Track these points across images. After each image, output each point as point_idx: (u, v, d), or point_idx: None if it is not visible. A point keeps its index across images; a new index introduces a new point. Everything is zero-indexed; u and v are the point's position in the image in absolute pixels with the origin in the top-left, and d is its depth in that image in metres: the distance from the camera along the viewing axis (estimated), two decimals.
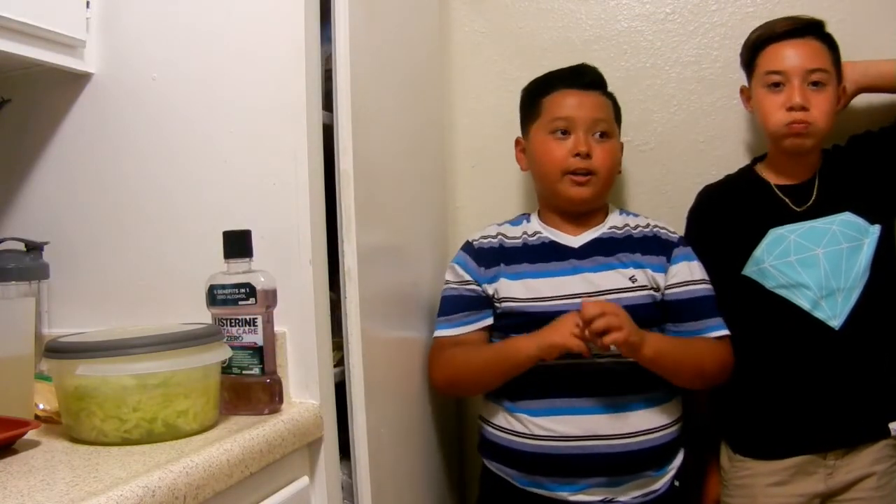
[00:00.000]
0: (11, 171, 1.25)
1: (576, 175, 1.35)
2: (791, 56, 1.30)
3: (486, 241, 1.41)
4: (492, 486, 1.37)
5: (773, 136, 1.35)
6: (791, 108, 1.29)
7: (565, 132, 1.36)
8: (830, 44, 1.32)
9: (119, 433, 0.88)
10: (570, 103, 1.38)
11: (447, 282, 1.40)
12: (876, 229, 1.31)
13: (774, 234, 1.33)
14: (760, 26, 1.37)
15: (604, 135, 1.37)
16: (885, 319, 1.32)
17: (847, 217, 1.31)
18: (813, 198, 1.34)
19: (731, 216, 1.40)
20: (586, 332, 1.19)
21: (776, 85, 1.31)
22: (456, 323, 1.36)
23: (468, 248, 1.42)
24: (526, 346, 1.26)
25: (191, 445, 0.86)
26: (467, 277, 1.38)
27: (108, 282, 1.19)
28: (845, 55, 1.33)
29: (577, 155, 1.34)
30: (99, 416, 0.88)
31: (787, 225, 1.33)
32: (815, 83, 1.29)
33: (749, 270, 1.35)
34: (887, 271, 1.32)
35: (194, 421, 0.91)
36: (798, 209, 1.34)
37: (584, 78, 1.41)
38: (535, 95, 1.44)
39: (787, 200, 1.35)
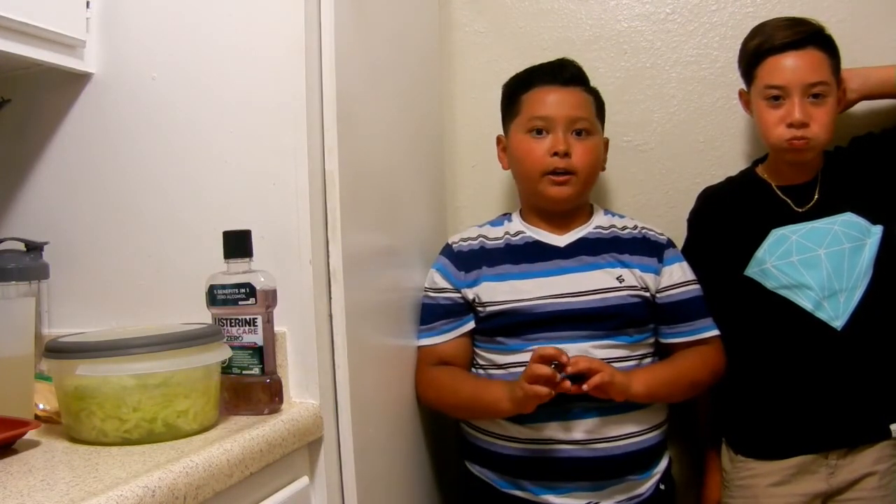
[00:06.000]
0: (11, 171, 1.25)
1: (555, 175, 1.33)
2: (791, 69, 1.28)
3: (465, 243, 1.39)
4: (474, 490, 1.36)
5: (774, 150, 1.35)
6: (791, 125, 1.28)
7: (544, 131, 1.35)
8: (831, 50, 1.30)
9: (119, 433, 0.88)
10: (548, 101, 1.36)
11: (425, 289, 1.39)
12: (878, 230, 1.31)
13: (776, 234, 1.33)
14: (759, 30, 1.34)
15: (584, 132, 1.35)
16: (888, 320, 1.32)
17: (848, 217, 1.31)
18: (815, 199, 1.34)
19: (732, 217, 1.40)
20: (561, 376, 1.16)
21: (776, 98, 1.30)
22: (435, 332, 1.35)
23: (447, 251, 1.40)
24: (500, 399, 1.22)
25: (191, 445, 0.86)
26: (443, 285, 1.36)
27: (108, 282, 1.19)
28: (845, 56, 1.33)
29: (556, 154, 1.33)
30: (99, 416, 0.88)
31: (789, 225, 1.33)
32: (815, 96, 1.27)
33: (751, 271, 1.35)
34: (889, 272, 1.32)
35: (194, 421, 0.91)
36: (800, 210, 1.34)
37: (564, 74, 1.39)
38: (514, 92, 1.42)
39: (788, 201, 1.35)
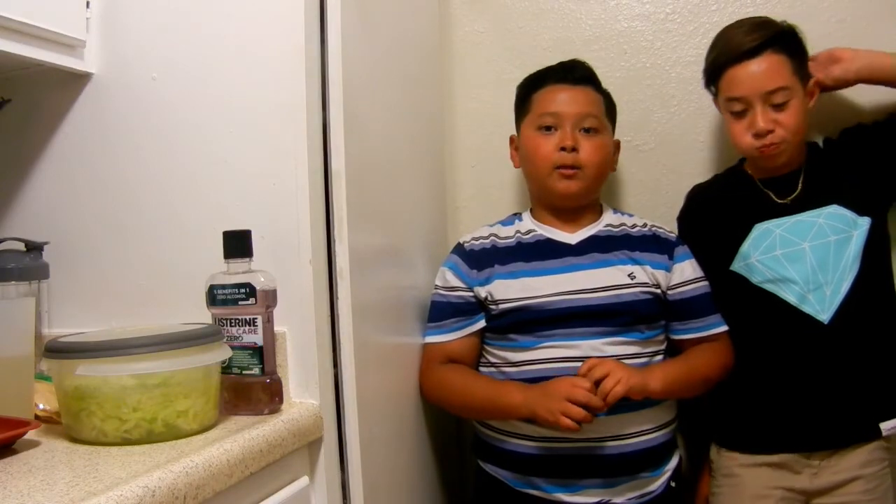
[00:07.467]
0: (11, 171, 1.25)
1: (562, 169, 1.35)
2: (748, 79, 1.28)
3: (477, 242, 1.40)
4: (486, 488, 1.37)
5: (747, 157, 1.36)
6: (757, 134, 1.28)
7: (553, 127, 1.36)
8: (791, 50, 1.29)
9: (119, 433, 0.88)
10: (558, 99, 1.37)
11: (436, 287, 1.39)
12: (865, 221, 1.30)
13: (760, 228, 1.33)
14: (717, 41, 1.35)
15: (592, 130, 1.36)
16: (875, 313, 1.31)
17: (834, 210, 1.30)
18: (798, 190, 1.34)
19: (717, 213, 1.40)
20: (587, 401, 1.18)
21: (739, 109, 1.30)
22: (444, 329, 1.36)
23: (459, 250, 1.41)
24: (518, 405, 1.24)
25: (191, 445, 0.86)
26: (456, 283, 1.37)
27: (108, 282, 1.19)
28: None
29: (563, 149, 1.34)
30: (99, 416, 0.88)
31: (774, 219, 1.33)
32: (777, 102, 1.27)
33: (736, 266, 1.36)
34: (877, 264, 1.31)
35: (194, 421, 0.91)
36: (781, 201, 1.34)
37: (574, 73, 1.41)
38: (526, 92, 1.44)
39: (769, 193, 1.35)
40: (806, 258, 1.29)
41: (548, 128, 1.36)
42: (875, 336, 1.31)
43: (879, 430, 1.28)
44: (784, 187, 1.34)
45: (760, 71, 1.27)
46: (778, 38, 1.28)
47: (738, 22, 1.34)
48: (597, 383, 1.19)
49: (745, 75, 1.28)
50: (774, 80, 1.27)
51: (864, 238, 1.30)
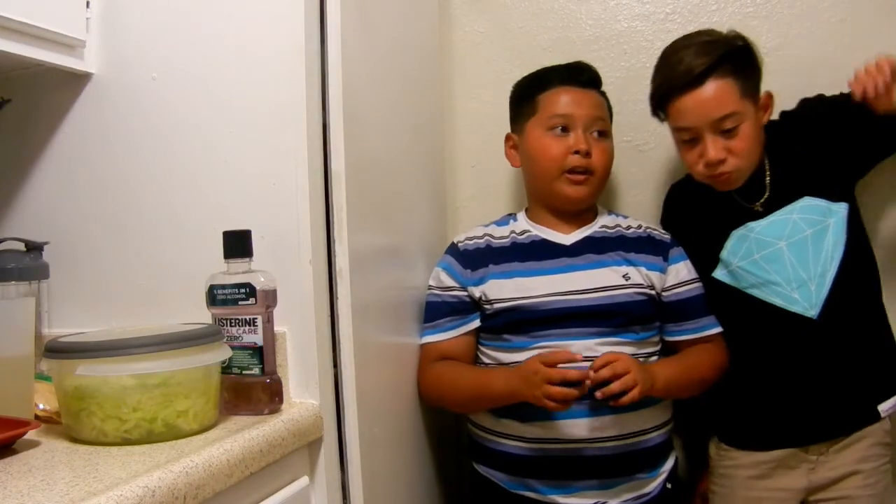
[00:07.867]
0: (11, 171, 1.25)
1: (573, 174, 1.34)
2: (695, 109, 1.23)
3: (471, 242, 1.40)
4: (481, 490, 1.36)
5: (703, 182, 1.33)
6: (708, 164, 1.26)
7: (564, 129, 1.36)
8: (739, 69, 1.23)
9: (119, 433, 0.88)
10: (569, 100, 1.37)
11: (430, 287, 1.39)
12: (841, 207, 1.28)
13: (736, 234, 1.33)
14: (660, 66, 1.31)
15: (601, 133, 1.37)
16: (863, 298, 1.30)
17: (806, 202, 1.29)
18: (767, 193, 1.31)
19: (694, 219, 1.40)
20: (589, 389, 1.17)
21: (689, 138, 1.27)
22: (439, 329, 1.36)
23: (453, 250, 1.41)
24: (501, 388, 1.24)
25: (191, 445, 0.86)
26: (450, 283, 1.37)
27: (108, 282, 1.19)
28: (845, 55, 1.32)
29: (577, 153, 1.33)
30: (99, 416, 0.88)
31: (748, 223, 1.32)
32: (727, 128, 1.23)
33: (719, 273, 1.35)
34: (858, 248, 1.30)
35: (194, 421, 0.91)
36: (750, 203, 1.32)
37: (582, 76, 1.41)
38: (530, 91, 1.43)
39: (740, 199, 1.33)
40: (784, 257, 1.28)
41: (559, 129, 1.36)
42: (864, 321, 1.30)
43: (877, 414, 1.27)
44: (753, 191, 1.32)
45: (706, 99, 1.23)
46: (722, 60, 1.23)
47: (681, 41, 1.30)
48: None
49: (692, 104, 1.24)
50: (722, 107, 1.22)
51: (842, 225, 1.28)
